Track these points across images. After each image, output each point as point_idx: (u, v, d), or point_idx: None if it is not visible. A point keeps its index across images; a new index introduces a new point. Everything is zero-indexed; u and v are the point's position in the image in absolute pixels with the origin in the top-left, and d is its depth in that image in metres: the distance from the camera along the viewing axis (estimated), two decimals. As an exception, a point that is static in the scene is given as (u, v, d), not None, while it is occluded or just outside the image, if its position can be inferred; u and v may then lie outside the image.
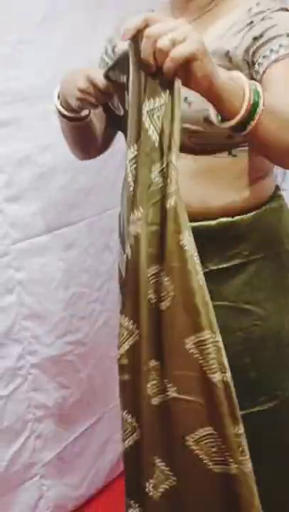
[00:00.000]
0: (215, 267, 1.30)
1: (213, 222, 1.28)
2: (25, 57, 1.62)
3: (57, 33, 1.68)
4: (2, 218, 1.64)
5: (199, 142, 1.25)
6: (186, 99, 1.21)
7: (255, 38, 1.19)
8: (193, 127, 1.23)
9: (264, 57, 1.16)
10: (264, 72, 1.15)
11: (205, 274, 1.21)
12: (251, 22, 1.21)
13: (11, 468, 1.76)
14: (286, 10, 1.22)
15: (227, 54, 1.21)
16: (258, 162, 1.30)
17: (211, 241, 1.27)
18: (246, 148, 1.27)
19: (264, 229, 1.32)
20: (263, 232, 1.32)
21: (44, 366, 1.83)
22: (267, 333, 1.33)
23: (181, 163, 1.20)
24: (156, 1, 1.46)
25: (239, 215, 1.29)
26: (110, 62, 1.36)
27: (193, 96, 1.16)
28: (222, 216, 1.28)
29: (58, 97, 1.31)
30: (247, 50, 1.19)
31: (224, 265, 1.30)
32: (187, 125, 1.23)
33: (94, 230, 1.88)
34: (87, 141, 1.44)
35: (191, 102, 1.22)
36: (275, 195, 1.37)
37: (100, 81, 1.19)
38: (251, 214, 1.30)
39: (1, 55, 1.57)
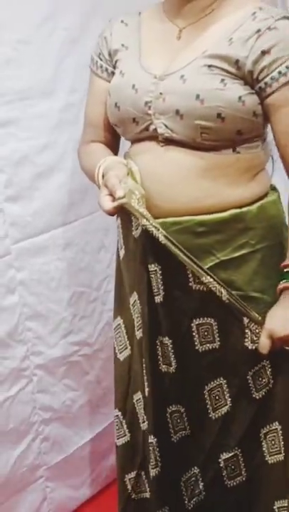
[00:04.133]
0: (226, 257, 1.36)
1: (225, 214, 1.34)
2: (24, 57, 1.62)
3: (56, 32, 1.69)
4: (2, 218, 1.63)
5: (210, 138, 1.31)
6: (198, 96, 1.27)
7: (264, 52, 1.27)
8: (206, 123, 1.29)
9: (272, 78, 1.28)
10: (272, 92, 1.29)
11: (216, 265, 1.33)
12: (259, 30, 1.28)
13: (17, 470, 1.75)
14: (287, 18, 1.30)
15: (237, 62, 1.28)
16: (258, 158, 1.39)
17: (223, 232, 1.35)
18: (249, 145, 1.36)
19: (267, 219, 1.39)
20: (266, 222, 1.39)
21: (50, 367, 1.82)
22: None
23: (190, 161, 1.32)
24: (151, 2, 1.49)
25: (245, 207, 1.37)
26: (105, 66, 1.46)
27: (205, 92, 1.26)
28: (230, 209, 1.35)
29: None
30: (255, 63, 1.28)
31: (235, 255, 1.36)
32: (199, 121, 1.28)
33: (90, 229, 1.88)
34: None
35: (203, 99, 1.28)
36: (272, 187, 1.46)
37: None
38: (256, 205, 1.38)
39: (0, 54, 1.57)
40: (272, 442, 1.46)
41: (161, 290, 1.37)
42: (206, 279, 1.32)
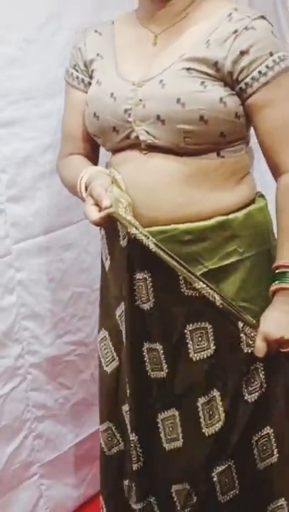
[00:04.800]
0: (214, 266, 1.34)
1: (211, 221, 1.32)
2: (29, 57, 1.63)
3: (60, 32, 1.69)
4: (4, 218, 1.65)
5: (193, 142, 1.29)
6: (178, 100, 1.26)
7: (242, 53, 1.26)
8: (189, 127, 1.27)
9: (252, 78, 1.27)
10: (253, 93, 1.29)
11: (204, 273, 1.32)
12: (236, 30, 1.27)
13: (10, 467, 1.77)
14: (263, 18, 1.29)
15: (216, 64, 1.27)
16: (243, 162, 1.37)
17: (210, 239, 1.33)
18: (233, 148, 1.34)
19: (254, 226, 1.38)
20: (253, 229, 1.38)
21: (45, 366, 1.84)
22: None
23: (173, 167, 1.30)
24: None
25: (232, 213, 1.35)
26: (81, 76, 1.44)
27: (185, 96, 1.25)
28: (216, 216, 1.33)
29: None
30: (234, 63, 1.26)
31: (223, 263, 1.35)
32: (182, 126, 1.27)
33: (92, 230, 1.87)
34: None
35: (184, 103, 1.26)
36: (258, 193, 1.44)
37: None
38: (243, 212, 1.36)
39: (5, 54, 1.58)
40: (264, 448, 1.44)
41: (151, 297, 1.35)
42: (199, 285, 1.31)
